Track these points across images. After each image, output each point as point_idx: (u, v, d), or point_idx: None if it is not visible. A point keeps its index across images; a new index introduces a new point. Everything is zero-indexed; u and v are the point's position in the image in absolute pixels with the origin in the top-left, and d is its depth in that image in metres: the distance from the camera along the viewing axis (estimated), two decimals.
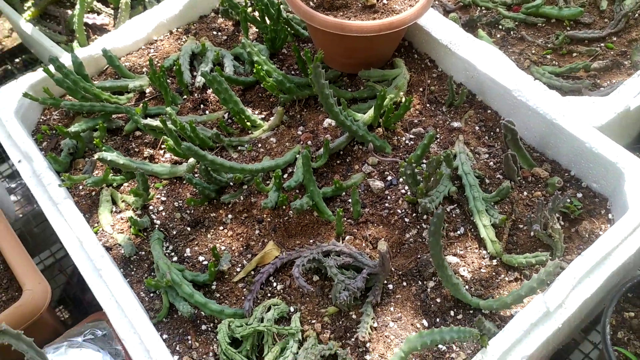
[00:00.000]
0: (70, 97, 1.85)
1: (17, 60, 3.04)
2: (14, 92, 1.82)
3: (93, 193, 1.72)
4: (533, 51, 2.00)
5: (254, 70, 1.73)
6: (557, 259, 1.32)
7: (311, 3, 1.73)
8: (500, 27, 2.10)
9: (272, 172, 1.65)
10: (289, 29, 1.97)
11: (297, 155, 1.69)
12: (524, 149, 1.62)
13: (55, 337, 1.56)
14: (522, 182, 1.61)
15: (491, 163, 1.65)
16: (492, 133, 1.73)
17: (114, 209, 1.69)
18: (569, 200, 1.54)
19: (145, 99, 1.89)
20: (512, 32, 2.08)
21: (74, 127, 1.72)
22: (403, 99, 1.69)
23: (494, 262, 1.49)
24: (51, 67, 1.79)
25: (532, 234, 1.51)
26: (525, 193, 1.59)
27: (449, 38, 1.79)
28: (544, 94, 1.61)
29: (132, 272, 1.57)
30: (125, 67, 1.94)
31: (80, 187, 1.73)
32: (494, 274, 1.47)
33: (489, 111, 1.76)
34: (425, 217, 1.57)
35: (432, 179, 1.49)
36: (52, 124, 1.88)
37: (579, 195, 1.57)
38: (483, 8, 2.17)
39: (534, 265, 1.42)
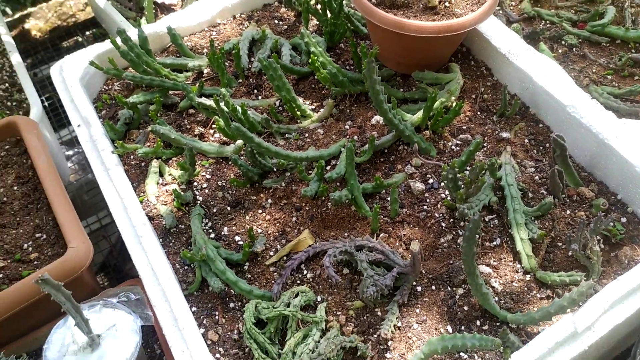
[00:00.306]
0: (132, 70, 1.92)
1: (87, 33, 3.18)
2: (81, 60, 1.90)
3: (142, 164, 1.79)
4: (594, 70, 1.96)
5: (310, 61, 1.76)
6: (592, 281, 1.29)
7: (373, 0, 1.74)
8: (562, 42, 2.06)
9: (316, 162, 1.67)
10: (349, 24, 1.99)
11: (342, 149, 1.71)
12: (572, 166, 1.59)
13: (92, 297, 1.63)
14: (566, 200, 1.58)
15: (536, 177, 1.63)
16: (541, 147, 1.70)
17: (160, 181, 1.75)
18: (612, 224, 1.50)
19: (202, 79, 1.94)
20: (574, 49, 2.03)
21: (132, 99, 1.79)
22: (454, 104, 1.68)
23: (528, 277, 1.47)
24: (118, 40, 1.86)
25: (570, 253, 1.48)
26: (568, 211, 1.56)
27: (508, 47, 1.77)
28: (599, 113, 1.57)
29: (170, 244, 1.63)
30: (187, 47, 2.00)
31: (132, 156, 1.80)
32: (525, 289, 1.45)
33: (540, 125, 1.73)
34: (462, 223, 1.57)
35: (473, 185, 1.49)
36: (112, 94, 1.96)
37: (623, 220, 1.53)
38: (547, 22, 2.13)
39: (568, 284, 1.40)
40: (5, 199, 1.74)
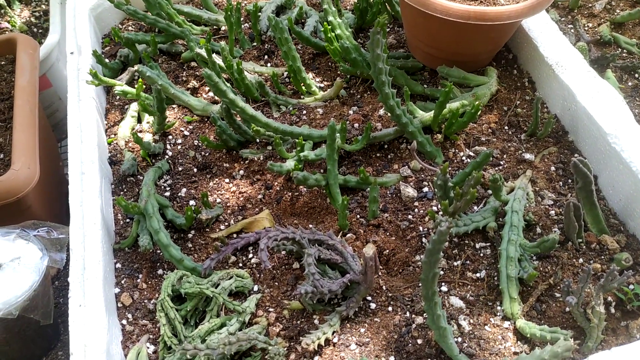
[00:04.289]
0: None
1: None
2: None
3: (126, 106, 1.65)
4: None
5: (323, 29, 1.55)
6: (572, 343, 1.00)
7: None
8: (636, 75, 1.73)
9: (304, 141, 1.46)
10: (387, 5, 1.76)
11: (337, 134, 1.49)
12: (600, 208, 1.28)
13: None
14: (582, 245, 1.27)
15: (552, 212, 1.33)
16: (569, 181, 1.40)
17: (137, 127, 1.60)
18: (631, 286, 1.18)
19: (212, 34, 1.77)
20: None
21: (128, 34, 1.66)
22: (474, 109, 1.41)
23: (506, 324, 1.18)
24: None
25: (567, 308, 1.18)
26: (580, 260, 1.25)
27: (557, 58, 1.49)
28: None
29: (122, 192, 1.47)
30: (211, 0, 1.86)
31: (118, 97, 1.66)
32: (499, 337, 1.16)
33: (575, 155, 1.43)
34: (447, 244, 1.30)
35: (462, 198, 1.22)
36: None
37: None
38: (624, 50, 1.81)
39: (548, 341, 1.10)
40: None
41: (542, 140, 1.47)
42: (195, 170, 1.50)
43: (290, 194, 1.43)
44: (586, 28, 1.92)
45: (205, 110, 1.58)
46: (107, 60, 1.72)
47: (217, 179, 1.48)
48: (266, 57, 1.74)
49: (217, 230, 1.38)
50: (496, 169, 1.43)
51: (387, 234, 1.34)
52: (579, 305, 1.13)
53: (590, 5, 1.97)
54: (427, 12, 1.38)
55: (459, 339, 1.16)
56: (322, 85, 1.66)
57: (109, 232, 1.37)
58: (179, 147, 1.55)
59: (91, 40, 1.70)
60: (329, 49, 1.55)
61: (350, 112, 1.57)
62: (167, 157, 1.53)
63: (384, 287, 1.26)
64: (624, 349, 1.01)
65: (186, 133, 1.58)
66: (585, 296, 1.14)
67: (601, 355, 1.00)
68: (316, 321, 1.21)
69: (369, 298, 1.24)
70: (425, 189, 1.40)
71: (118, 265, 1.34)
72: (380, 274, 1.28)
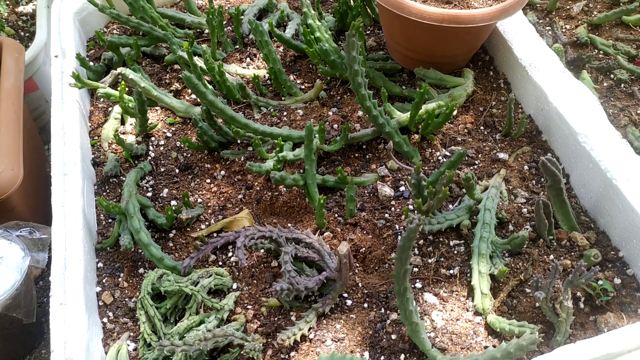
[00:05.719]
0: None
1: None
2: None
3: (110, 108, 1.67)
4: (639, 111, 1.66)
5: (302, 32, 1.58)
6: (538, 337, 1.03)
7: None
8: (611, 76, 1.77)
9: (283, 141, 1.49)
10: (368, 9, 1.80)
11: (316, 135, 1.52)
12: (570, 206, 1.31)
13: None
14: (552, 242, 1.31)
15: (525, 210, 1.36)
16: (542, 179, 1.43)
17: (120, 129, 1.63)
18: (600, 282, 1.21)
19: (193, 37, 1.80)
20: (622, 85, 1.74)
21: (112, 38, 1.68)
22: (448, 109, 1.44)
23: (478, 319, 1.21)
24: None
25: (537, 303, 1.21)
26: (551, 256, 1.28)
27: (530, 59, 1.52)
28: (613, 147, 1.29)
29: (104, 193, 1.49)
30: (195, 4, 1.88)
31: (102, 99, 1.69)
32: (471, 332, 1.19)
33: (548, 154, 1.46)
34: (421, 241, 1.33)
35: (435, 197, 1.25)
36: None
37: (617, 281, 1.23)
38: (601, 52, 1.85)
39: (516, 335, 1.13)
40: None
41: (516, 140, 1.50)
42: (177, 171, 1.53)
43: (270, 193, 1.46)
44: (564, 30, 1.95)
45: (188, 112, 1.61)
46: (91, 63, 1.75)
47: (198, 180, 1.50)
48: (248, 59, 1.77)
49: (198, 229, 1.41)
50: (471, 168, 1.46)
51: (364, 232, 1.37)
52: (548, 300, 1.16)
53: (568, 7, 2.00)
54: (403, 15, 1.41)
55: (432, 334, 1.19)
56: (302, 87, 1.69)
57: (91, 232, 1.39)
58: (162, 148, 1.58)
59: (75, 43, 1.72)
60: (308, 52, 1.58)
61: (330, 113, 1.60)
62: (149, 158, 1.55)
63: (360, 284, 1.29)
64: (589, 342, 1.04)
65: (169, 134, 1.61)
66: (554, 291, 1.18)
67: (566, 348, 1.03)
68: (293, 318, 1.24)
69: (345, 295, 1.27)
70: (402, 188, 1.43)
71: (100, 264, 1.36)
72: (356, 271, 1.31)
